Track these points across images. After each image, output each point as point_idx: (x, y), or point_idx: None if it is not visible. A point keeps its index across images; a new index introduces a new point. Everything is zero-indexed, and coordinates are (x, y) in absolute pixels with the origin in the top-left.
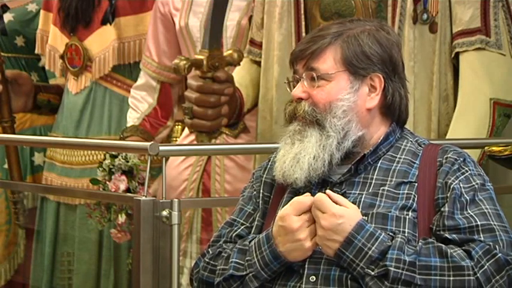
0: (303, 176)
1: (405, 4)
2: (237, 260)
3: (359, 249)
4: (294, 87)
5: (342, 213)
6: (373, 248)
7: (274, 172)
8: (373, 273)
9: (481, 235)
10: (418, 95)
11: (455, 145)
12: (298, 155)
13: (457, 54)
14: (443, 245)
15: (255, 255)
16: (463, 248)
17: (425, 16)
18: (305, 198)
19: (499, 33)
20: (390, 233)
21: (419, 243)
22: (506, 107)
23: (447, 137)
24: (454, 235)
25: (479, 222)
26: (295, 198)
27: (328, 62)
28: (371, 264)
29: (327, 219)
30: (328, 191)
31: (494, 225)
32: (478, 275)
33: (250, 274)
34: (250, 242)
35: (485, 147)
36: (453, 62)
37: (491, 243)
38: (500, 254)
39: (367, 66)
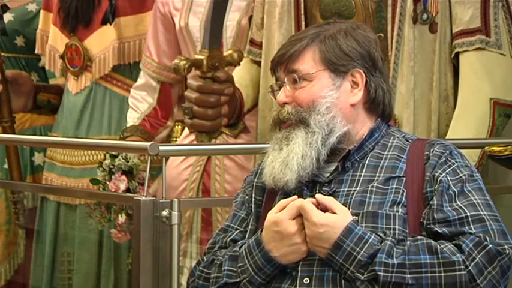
0: (294, 178)
1: (405, 4)
2: (230, 268)
3: (348, 253)
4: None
5: (324, 221)
6: (361, 252)
7: (264, 178)
8: (362, 277)
9: (472, 226)
10: (418, 95)
11: (456, 145)
12: (287, 157)
13: (457, 54)
14: (432, 241)
15: (246, 260)
16: (454, 242)
17: (425, 16)
18: (297, 202)
19: (499, 33)
20: (380, 234)
21: (408, 242)
22: (506, 107)
23: (447, 137)
24: (444, 228)
25: (468, 213)
26: (285, 201)
27: (308, 62)
28: (360, 268)
29: (309, 228)
30: (317, 195)
31: (484, 215)
32: (470, 267)
33: (245, 280)
34: (240, 248)
35: (485, 147)
36: (453, 62)
37: (481, 235)
38: (491, 245)
39: (346, 62)
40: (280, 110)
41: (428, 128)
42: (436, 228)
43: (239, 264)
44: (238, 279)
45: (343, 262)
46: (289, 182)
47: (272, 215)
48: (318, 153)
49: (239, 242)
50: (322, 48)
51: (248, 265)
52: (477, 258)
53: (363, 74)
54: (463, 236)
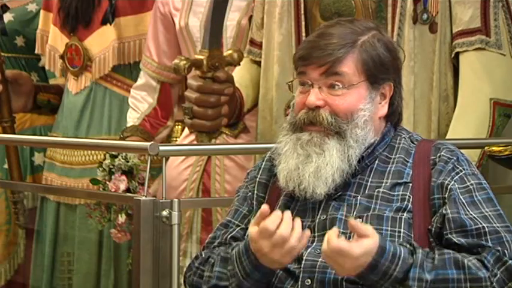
0: (324, 191)
1: (405, 4)
2: (220, 270)
3: (384, 272)
4: (301, 90)
5: (364, 251)
6: (397, 268)
7: (282, 181)
8: None
9: (488, 237)
10: (418, 95)
11: (456, 145)
12: (320, 169)
13: (457, 54)
14: (458, 256)
15: (235, 265)
16: (476, 256)
17: (425, 16)
18: (271, 225)
19: (499, 33)
20: (407, 246)
21: (435, 255)
22: (506, 107)
23: (447, 137)
24: (462, 239)
25: (484, 225)
26: (262, 223)
27: (351, 69)
28: (396, 283)
29: (348, 263)
30: (351, 221)
31: (498, 227)
32: (494, 283)
33: (233, 284)
34: (232, 250)
35: (485, 147)
36: (453, 62)
37: (499, 249)
38: (510, 261)
39: (385, 76)
40: (314, 115)
41: (428, 128)
42: (455, 240)
43: (229, 268)
44: (227, 283)
45: (379, 280)
46: (318, 195)
47: (250, 230)
48: (350, 166)
49: (233, 243)
50: (364, 57)
51: (237, 269)
52: (498, 275)
53: (392, 88)
54: (482, 250)
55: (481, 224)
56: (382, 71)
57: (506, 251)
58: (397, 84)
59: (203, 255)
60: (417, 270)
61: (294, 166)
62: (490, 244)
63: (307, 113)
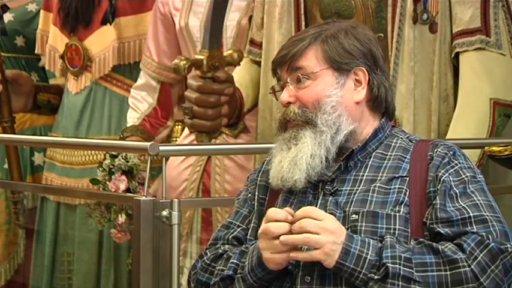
0: (303, 177)
1: (405, 4)
2: (237, 262)
3: (357, 256)
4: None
5: (334, 221)
6: (369, 252)
7: (271, 179)
8: (376, 277)
9: (474, 226)
10: (418, 95)
11: (456, 145)
12: (296, 157)
13: (457, 54)
14: (433, 243)
15: (247, 258)
16: (455, 242)
17: (425, 16)
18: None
19: (499, 33)
20: (378, 238)
21: (412, 244)
22: (506, 107)
23: (447, 137)
24: (446, 229)
25: (471, 214)
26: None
27: (311, 61)
28: (372, 268)
29: (327, 239)
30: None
31: (487, 215)
32: (472, 266)
33: (239, 275)
34: (252, 245)
35: (485, 147)
36: (453, 62)
37: (483, 234)
38: (493, 244)
39: (349, 60)
40: (285, 111)
41: (428, 128)
42: (439, 229)
43: (242, 260)
44: (238, 274)
45: (354, 267)
46: (297, 182)
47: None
48: (327, 151)
49: (236, 243)
50: (324, 47)
51: (247, 263)
52: (479, 257)
53: (366, 72)
54: (464, 236)
55: (468, 213)
56: (346, 56)
57: (490, 236)
58: (374, 71)
59: (209, 254)
60: (389, 250)
61: (277, 162)
62: (474, 230)
63: (281, 111)
